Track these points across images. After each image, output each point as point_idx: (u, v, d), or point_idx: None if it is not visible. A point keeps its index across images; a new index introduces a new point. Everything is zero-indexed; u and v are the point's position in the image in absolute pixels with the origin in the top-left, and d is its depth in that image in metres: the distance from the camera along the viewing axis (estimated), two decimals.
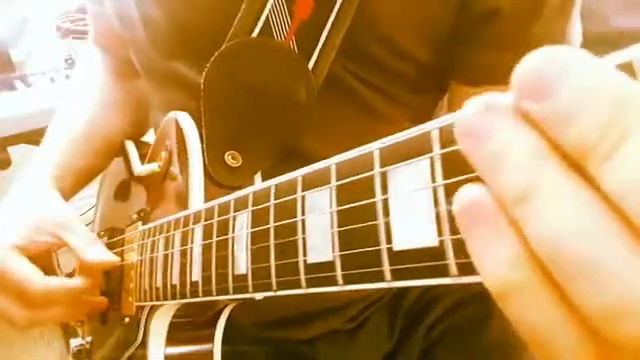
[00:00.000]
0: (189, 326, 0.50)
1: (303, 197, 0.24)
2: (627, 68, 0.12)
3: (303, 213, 0.24)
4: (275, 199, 0.26)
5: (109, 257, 0.54)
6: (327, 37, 0.44)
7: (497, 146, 0.14)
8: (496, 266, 0.14)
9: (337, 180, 0.22)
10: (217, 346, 0.49)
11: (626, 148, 0.12)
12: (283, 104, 0.46)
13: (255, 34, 0.44)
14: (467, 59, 0.47)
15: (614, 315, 0.12)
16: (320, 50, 0.44)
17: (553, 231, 0.13)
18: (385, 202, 0.19)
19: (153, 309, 0.49)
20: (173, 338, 0.49)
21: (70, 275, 0.61)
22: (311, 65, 0.45)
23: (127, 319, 0.54)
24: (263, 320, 0.63)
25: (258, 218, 0.28)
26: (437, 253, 0.17)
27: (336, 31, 0.43)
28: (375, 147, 0.20)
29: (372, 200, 0.19)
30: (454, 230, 0.16)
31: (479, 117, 0.15)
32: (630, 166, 0.12)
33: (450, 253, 0.16)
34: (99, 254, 0.54)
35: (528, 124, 0.14)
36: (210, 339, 0.49)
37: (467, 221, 0.15)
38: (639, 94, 0.12)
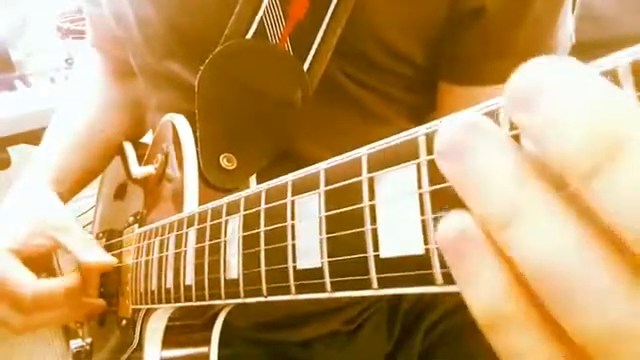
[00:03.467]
0: (185, 329, 0.49)
1: (293, 202, 0.24)
2: (612, 74, 0.11)
3: (293, 218, 0.23)
4: (265, 203, 0.26)
5: (106, 258, 0.54)
6: (322, 38, 0.43)
7: (478, 167, 0.13)
8: (484, 298, 0.14)
9: (326, 185, 0.21)
10: (213, 349, 0.49)
11: (616, 163, 0.10)
12: (278, 106, 0.46)
13: (249, 35, 0.44)
14: (454, 59, 0.47)
15: (600, 339, 0.12)
16: (315, 51, 0.44)
17: (536, 254, 0.12)
18: (372, 208, 0.19)
19: (149, 312, 0.49)
20: (169, 341, 0.49)
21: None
22: (306, 66, 0.44)
23: (124, 322, 0.54)
24: (260, 322, 0.63)
25: (249, 223, 0.28)
26: (423, 261, 0.16)
27: (331, 32, 0.43)
28: (363, 152, 0.20)
29: (360, 206, 0.19)
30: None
31: (458, 135, 0.14)
32: (624, 182, 0.10)
33: (436, 262, 0.16)
34: (96, 256, 0.54)
35: (509, 144, 0.13)
36: (206, 342, 0.49)
37: (453, 254, 0.14)
38: (628, 104, 0.11)
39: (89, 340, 0.66)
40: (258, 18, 0.44)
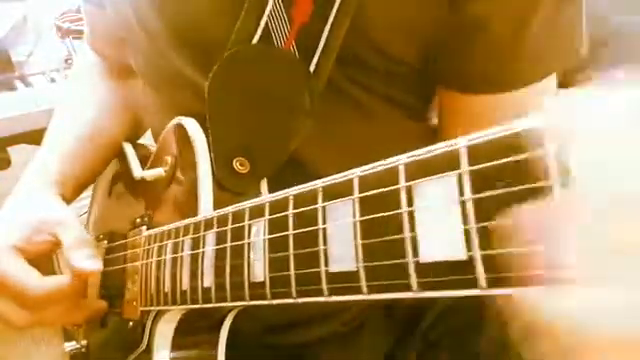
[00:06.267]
0: (194, 331, 0.50)
1: (324, 208, 0.24)
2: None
3: (324, 223, 0.24)
4: (294, 208, 0.27)
5: (90, 264, 0.53)
6: (326, 41, 0.44)
7: None
8: None
9: (360, 192, 0.22)
10: (221, 351, 0.49)
11: None
12: (287, 109, 0.46)
13: (255, 40, 0.45)
14: (454, 66, 0.47)
15: None
16: (320, 54, 0.44)
17: None
18: (411, 215, 0.20)
19: (159, 314, 0.49)
20: (178, 343, 0.49)
21: None
22: (312, 69, 0.45)
23: (131, 323, 0.54)
24: (265, 326, 0.63)
25: (276, 227, 0.28)
26: (466, 266, 0.17)
27: (335, 34, 0.43)
28: (401, 161, 0.20)
29: (398, 212, 0.20)
30: (483, 245, 0.17)
31: None
32: None
33: (480, 267, 0.17)
34: (80, 260, 0.53)
35: None
36: (214, 344, 0.49)
37: None
38: None
39: (84, 342, 0.66)
40: (263, 23, 0.45)
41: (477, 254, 0.17)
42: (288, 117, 0.47)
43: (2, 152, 0.93)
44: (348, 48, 0.45)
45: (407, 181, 0.20)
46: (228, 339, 0.49)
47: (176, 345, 0.49)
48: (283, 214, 0.28)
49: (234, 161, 0.47)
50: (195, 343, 0.50)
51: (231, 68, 0.46)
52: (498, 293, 0.16)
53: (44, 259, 0.58)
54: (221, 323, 0.49)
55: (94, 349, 0.65)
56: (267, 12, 0.44)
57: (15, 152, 0.97)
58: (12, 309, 0.52)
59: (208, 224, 0.38)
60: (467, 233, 0.17)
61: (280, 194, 0.29)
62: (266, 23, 0.45)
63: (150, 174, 0.57)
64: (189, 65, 0.52)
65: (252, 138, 0.48)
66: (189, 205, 0.48)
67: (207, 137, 0.48)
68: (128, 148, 0.70)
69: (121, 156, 0.70)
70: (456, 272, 0.18)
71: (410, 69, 0.48)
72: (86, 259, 0.53)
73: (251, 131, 0.48)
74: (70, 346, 0.67)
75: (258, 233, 0.30)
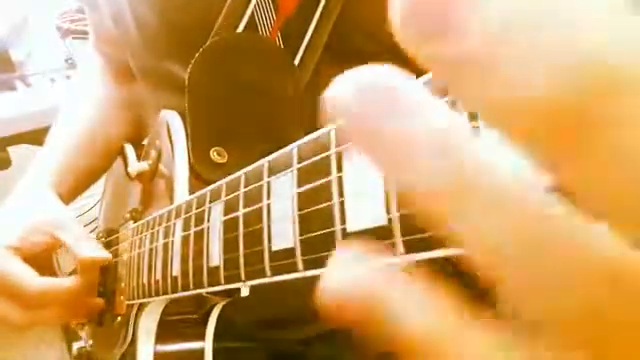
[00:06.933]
0: (180, 324, 0.49)
1: (268, 183, 0.23)
2: None
3: (269, 199, 0.23)
4: (244, 187, 0.26)
5: (102, 253, 0.54)
6: (313, 32, 0.43)
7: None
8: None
9: (298, 163, 0.21)
10: (208, 344, 0.48)
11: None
12: (269, 99, 0.46)
13: (240, 30, 0.44)
14: None
15: None
16: (306, 46, 0.43)
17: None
18: (340, 182, 0.18)
19: (142, 307, 0.49)
20: (163, 335, 0.49)
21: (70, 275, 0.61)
22: (297, 60, 0.44)
23: (119, 318, 0.54)
24: (259, 319, 0.62)
25: (230, 208, 0.27)
26: (386, 232, 0.16)
27: (322, 26, 0.43)
28: (332, 126, 0.19)
29: (327, 180, 0.19)
30: (403, 207, 0.15)
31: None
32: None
33: (397, 231, 0.16)
34: (92, 250, 0.53)
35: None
36: (201, 337, 0.48)
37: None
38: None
39: (91, 342, 0.66)
40: (249, 12, 0.44)
41: (396, 217, 0.16)
42: (269, 107, 0.46)
43: (2, 152, 0.94)
44: (345, 40, 0.44)
45: (337, 146, 0.18)
46: (218, 332, 0.48)
47: (161, 338, 0.48)
48: (235, 194, 0.27)
49: (211, 151, 0.46)
50: (181, 336, 0.49)
51: (212, 56, 0.46)
52: (418, 258, 0.15)
53: (44, 259, 0.58)
54: (208, 315, 0.49)
55: (94, 347, 0.65)
56: (253, 2, 0.44)
57: (15, 152, 0.98)
58: (11, 308, 0.52)
59: (177, 212, 0.37)
60: (387, 196, 0.16)
61: (235, 174, 0.28)
62: (252, 13, 0.44)
63: (136, 169, 0.57)
64: (182, 63, 0.51)
65: (230, 128, 0.47)
66: (169, 196, 0.47)
67: (186, 127, 0.48)
68: (128, 147, 0.70)
69: (123, 156, 0.71)
70: (376, 238, 0.16)
71: (406, 63, 0.47)
72: (96, 249, 0.54)
73: (230, 120, 0.47)
74: (77, 345, 0.67)
75: (216, 216, 0.29)
